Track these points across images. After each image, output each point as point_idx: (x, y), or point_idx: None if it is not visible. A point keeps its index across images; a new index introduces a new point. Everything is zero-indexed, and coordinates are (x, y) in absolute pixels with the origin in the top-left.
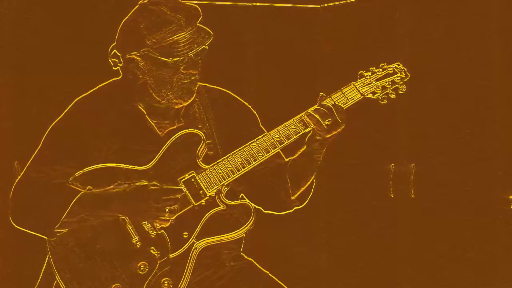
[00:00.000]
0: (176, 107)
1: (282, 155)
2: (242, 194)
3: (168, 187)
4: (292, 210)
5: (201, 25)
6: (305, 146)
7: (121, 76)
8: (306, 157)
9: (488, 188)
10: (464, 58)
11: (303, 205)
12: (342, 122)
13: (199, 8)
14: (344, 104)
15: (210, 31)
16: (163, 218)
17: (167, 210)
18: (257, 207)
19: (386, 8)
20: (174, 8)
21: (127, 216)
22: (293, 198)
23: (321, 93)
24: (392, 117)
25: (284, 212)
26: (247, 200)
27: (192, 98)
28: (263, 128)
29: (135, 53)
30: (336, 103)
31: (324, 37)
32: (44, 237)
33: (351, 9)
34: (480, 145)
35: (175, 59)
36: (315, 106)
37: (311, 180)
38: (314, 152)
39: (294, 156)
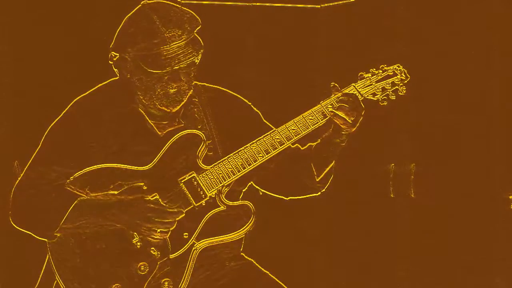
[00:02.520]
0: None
1: (298, 144)
2: (257, 187)
3: (170, 210)
4: (318, 193)
5: (196, 35)
6: (328, 135)
7: (118, 76)
8: (331, 145)
9: (488, 188)
10: (464, 59)
11: (325, 188)
12: (363, 110)
13: (198, 19)
14: None
15: (202, 44)
16: (155, 237)
17: (158, 231)
18: (276, 195)
19: (386, 8)
20: (168, 19)
21: (125, 227)
22: (317, 180)
23: (332, 83)
24: (392, 118)
25: (309, 195)
26: (248, 201)
27: (179, 107)
28: (267, 123)
29: (126, 54)
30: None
31: (324, 37)
32: (43, 239)
33: (351, 9)
34: (480, 145)
35: (156, 71)
36: (336, 103)
37: (332, 163)
38: (340, 142)
39: (316, 142)
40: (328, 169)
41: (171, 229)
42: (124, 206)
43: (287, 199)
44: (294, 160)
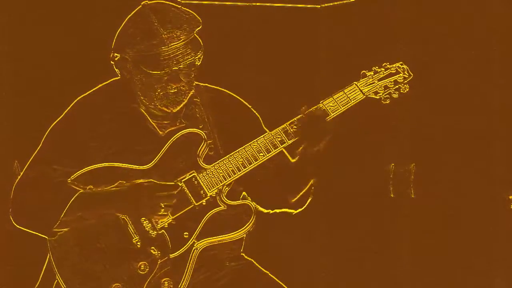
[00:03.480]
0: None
1: (288, 155)
2: (244, 193)
3: (164, 183)
4: (296, 211)
5: (196, 36)
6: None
7: (119, 76)
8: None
9: (488, 188)
10: (466, 57)
11: (302, 208)
12: (326, 133)
13: (198, 19)
14: (346, 104)
15: (201, 44)
16: (160, 213)
17: (162, 205)
18: (259, 207)
19: (386, 8)
20: (167, 20)
21: (126, 214)
22: (293, 201)
23: (302, 107)
24: (393, 117)
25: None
26: (248, 201)
27: (179, 107)
28: (265, 129)
29: (126, 54)
30: (337, 101)
31: (324, 37)
32: (44, 236)
33: (351, 9)
34: (480, 145)
35: (156, 72)
36: (294, 128)
37: (310, 183)
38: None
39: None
40: (305, 190)
41: (173, 202)
42: (123, 193)
43: (265, 211)
44: (281, 173)
